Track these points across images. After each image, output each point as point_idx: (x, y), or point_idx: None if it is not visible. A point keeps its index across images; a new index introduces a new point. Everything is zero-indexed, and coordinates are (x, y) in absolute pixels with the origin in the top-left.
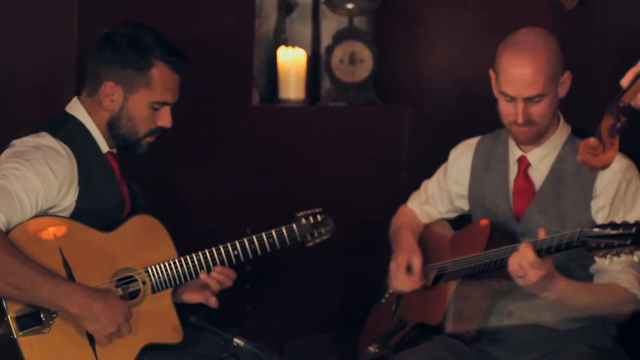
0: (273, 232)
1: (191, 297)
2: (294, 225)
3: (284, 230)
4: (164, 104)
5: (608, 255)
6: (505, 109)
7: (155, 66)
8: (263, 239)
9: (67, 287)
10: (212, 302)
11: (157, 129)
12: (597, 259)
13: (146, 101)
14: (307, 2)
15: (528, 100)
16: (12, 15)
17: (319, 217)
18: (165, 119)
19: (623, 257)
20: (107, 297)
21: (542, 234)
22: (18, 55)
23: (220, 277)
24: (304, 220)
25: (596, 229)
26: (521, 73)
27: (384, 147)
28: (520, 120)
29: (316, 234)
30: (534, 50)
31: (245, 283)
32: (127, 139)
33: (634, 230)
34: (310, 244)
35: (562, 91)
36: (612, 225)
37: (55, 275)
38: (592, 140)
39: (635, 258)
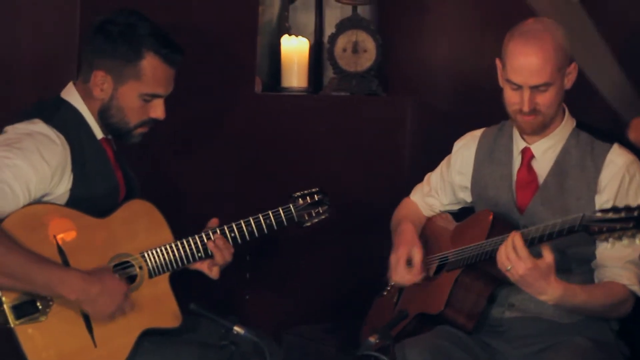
0: (270, 213)
1: (197, 265)
2: (291, 206)
3: (281, 211)
4: (154, 96)
5: (610, 239)
6: (511, 97)
7: (145, 58)
8: (260, 220)
9: (61, 273)
10: (214, 272)
11: (149, 120)
12: (597, 250)
13: (135, 93)
14: None
15: (534, 88)
16: (11, 2)
17: (316, 197)
18: (158, 111)
19: (625, 241)
20: (103, 278)
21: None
22: (18, 40)
23: (218, 242)
24: (300, 201)
25: (598, 214)
26: (528, 61)
27: (386, 137)
28: (525, 108)
29: (314, 214)
30: (541, 39)
31: (244, 272)
32: (118, 129)
33: (636, 213)
34: (308, 224)
35: (568, 82)
36: (614, 209)
37: (49, 262)
38: None
39: (637, 241)
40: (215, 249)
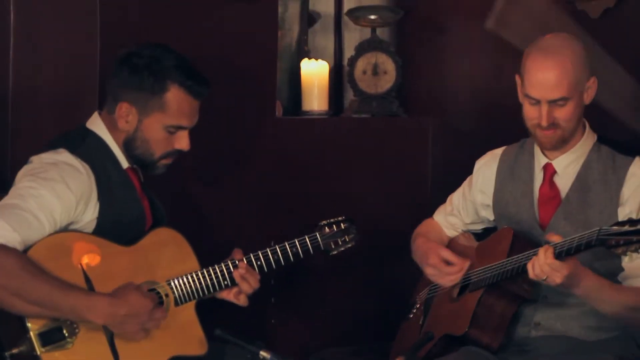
0: (296, 241)
1: (224, 294)
2: (317, 234)
3: (307, 240)
4: (179, 127)
5: (628, 252)
6: (530, 112)
7: (170, 90)
8: (286, 249)
9: (88, 299)
10: (242, 300)
11: (174, 152)
12: (624, 264)
13: (160, 124)
14: (330, 13)
15: (552, 103)
16: (34, 30)
17: (342, 225)
18: (182, 143)
19: None
20: (129, 299)
21: (554, 238)
22: (40, 69)
23: (243, 272)
24: (327, 229)
25: (615, 227)
26: (545, 76)
27: (407, 159)
28: (544, 123)
29: (340, 242)
30: (559, 53)
31: (270, 296)
32: (143, 160)
33: None
34: (335, 252)
35: (588, 97)
36: (631, 221)
37: (75, 287)
38: None
39: None
40: (240, 279)
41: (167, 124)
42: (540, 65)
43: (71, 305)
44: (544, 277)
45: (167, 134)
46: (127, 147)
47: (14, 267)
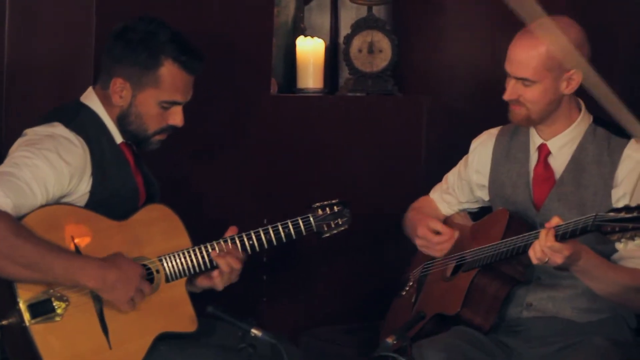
0: (289, 222)
1: (201, 282)
2: (310, 216)
3: (300, 221)
4: (173, 103)
5: (622, 239)
6: (506, 84)
7: (164, 65)
8: (279, 229)
9: (79, 261)
10: (217, 282)
11: (168, 127)
12: (616, 246)
13: (154, 100)
14: None
15: (519, 80)
16: (29, 6)
17: (335, 208)
18: (176, 118)
19: (638, 240)
20: (119, 264)
21: (556, 221)
22: (35, 43)
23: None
24: (320, 211)
25: (611, 213)
26: (516, 53)
27: (402, 137)
28: (505, 95)
29: (333, 225)
30: (539, 37)
31: (261, 274)
32: (136, 135)
33: None
34: (327, 234)
35: (568, 87)
36: (627, 208)
37: (66, 251)
38: None
39: None
40: (218, 257)
41: (161, 99)
42: (516, 42)
43: (63, 267)
44: (546, 260)
45: (161, 109)
46: (121, 122)
47: (5, 230)
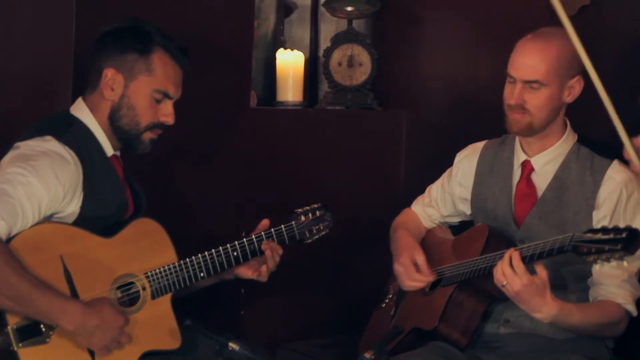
0: (272, 231)
1: (245, 272)
2: (294, 223)
3: (283, 229)
4: (165, 94)
5: (599, 260)
6: (506, 91)
7: (155, 52)
8: (262, 240)
9: (62, 303)
10: (264, 277)
11: (159, 124)
12: (593, 270)
13: (147, 88)
14: (307, 4)
15: (526, 84)
16: (7, 13)
17: (317, 213)
18: (167, 115)
19: (613, 262)
20: (102, 311)
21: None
22: (13, 54)
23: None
24: (302, 217)
25: (588, 234)
26: (526, 55)
27: (382, 151)
28: (512, 101)
29: (314, 231)
30: (547, 40)
31: (239, 287)
32: (128, 132)
33: (624, 235)
34: (309, 241)
35: (569, 96)
36: (604, 230)
37: (51, 290)
38: None
39: (625, 263)
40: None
41: (153, 87)
42: (525, 45)
43: (46, 307)
44: (504, 282)
45: (153, 101)
46: (113, 119)
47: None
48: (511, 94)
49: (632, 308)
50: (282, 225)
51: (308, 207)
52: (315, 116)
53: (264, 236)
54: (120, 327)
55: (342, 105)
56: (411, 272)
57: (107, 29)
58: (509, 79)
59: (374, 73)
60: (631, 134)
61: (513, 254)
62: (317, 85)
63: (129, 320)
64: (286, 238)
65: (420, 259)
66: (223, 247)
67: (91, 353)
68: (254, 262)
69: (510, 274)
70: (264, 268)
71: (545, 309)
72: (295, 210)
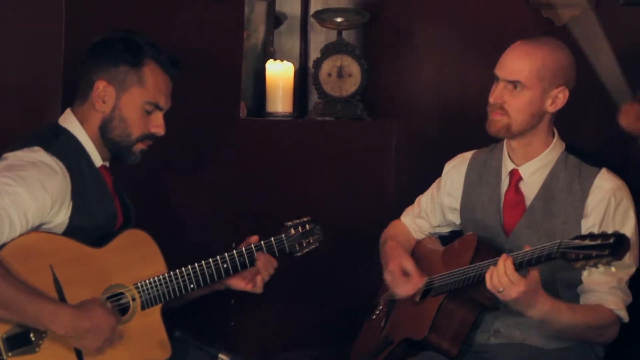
0: (262, 243)
1: (237, 283)
2: (283, 236)
3: (273, 242)
4: (156, 106)
5: (587, 267)
6: (491, 91)
7: (146, 65)
8: (252, 252)
9: (52, 308)
10: (258, 288)
11: (150, 135)
12: (582, 278)
13: (139, 100)
14: (296, 15)
15: (508, 83)
16: None
17: (307, 227)
18: (158, 126)
19: (601, 268)
20: (93, 314)
21: (527, 248)
22: (2, 66)
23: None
24: (292, 231)
25: (576, 240)
26: (513, 55)
27: (371, 162)
28: (492, 99)
29: (305, 244)
30: (536, 46)
31: (229, 298)
32: (119, 143)
33: (612, 240)
34: (299, 254)
35: (552, 105)
36: (591, 236)
37: (41, 295)
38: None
39: (613, 269)
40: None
41: (145, 99)
42: (515, 47)
43: (35, 312)
44: (501, 289)
45: (144, 112)
46: (104, 130)
47: None
48: (493, 93)
49: (623, 314)
50: (272, 238)
51: (298, 220)
52: (305, 127)
53: (254, 248)
54: (112, 327)
55: (332, 116)
56: (400, 278)
57: (97, 41)
58: (495, 78)
59: (364, 84)
60: (629, 141)
61: (507, 262)
62: (306, 96)
63: (120, 318)
64: (276, 251)
65: (409, 265)
66: (213, 259)
67: None
68: (246, 273)
69: (506, 282)
70: (258, 279)
71: (538, 305)
72: (285, 223)
